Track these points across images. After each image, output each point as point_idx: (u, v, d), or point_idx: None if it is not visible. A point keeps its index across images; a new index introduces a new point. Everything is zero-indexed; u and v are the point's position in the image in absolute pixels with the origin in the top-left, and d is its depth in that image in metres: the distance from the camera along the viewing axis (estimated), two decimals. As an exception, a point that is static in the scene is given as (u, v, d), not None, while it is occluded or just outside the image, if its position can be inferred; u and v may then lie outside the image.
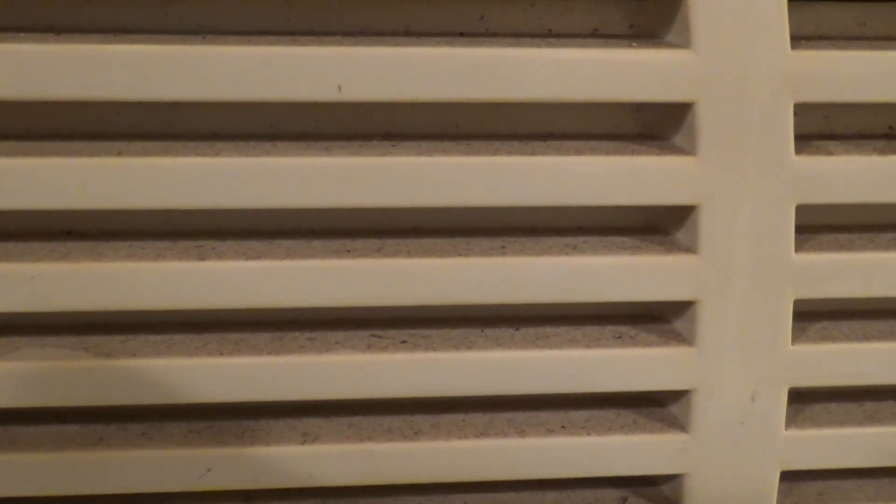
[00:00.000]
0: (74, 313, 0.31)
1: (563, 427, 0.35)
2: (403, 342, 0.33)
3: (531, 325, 0.35)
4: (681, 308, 0.34)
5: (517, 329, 0.34)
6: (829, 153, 0.32)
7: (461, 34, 0.32)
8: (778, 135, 0.31)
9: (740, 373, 0.33)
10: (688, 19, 0.30)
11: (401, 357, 0.32)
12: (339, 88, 0.29)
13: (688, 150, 0.31)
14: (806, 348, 0.33)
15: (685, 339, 0.34)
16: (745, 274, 0.32)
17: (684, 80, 0.30)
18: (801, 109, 0.32)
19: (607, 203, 0.31)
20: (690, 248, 0.32)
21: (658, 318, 0.35)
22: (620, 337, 0.34)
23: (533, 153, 0.31)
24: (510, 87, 0.30)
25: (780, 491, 0.35)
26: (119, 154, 0.29)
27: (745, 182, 0.31)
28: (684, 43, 0.30)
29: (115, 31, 0.30)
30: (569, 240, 0.33)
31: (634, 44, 0.31)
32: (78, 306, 0.30)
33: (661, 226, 0.34)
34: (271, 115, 0.32)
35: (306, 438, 0.33)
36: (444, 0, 0.31)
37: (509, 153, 0.31)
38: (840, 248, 0.33)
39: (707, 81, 0.30)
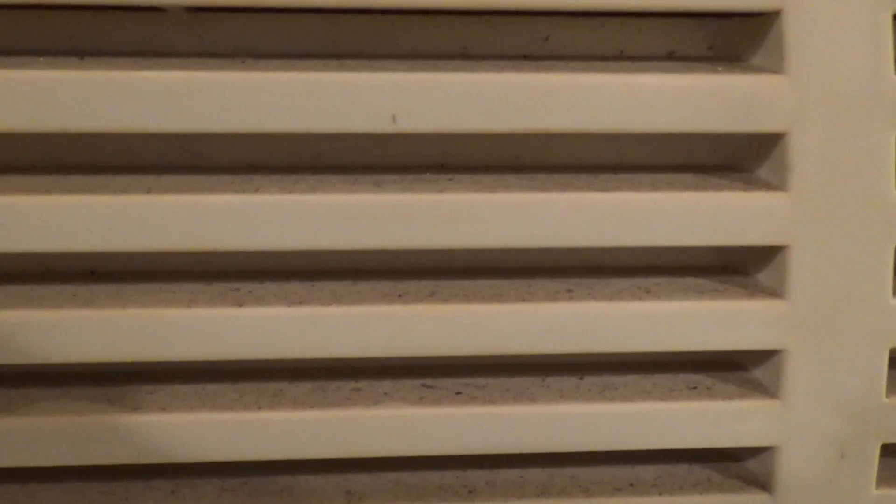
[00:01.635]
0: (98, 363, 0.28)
1: (631, 485, 0.32)
2: (458, 394, 0.30)
3: (596, 373, 0.31)
4: (762, 356, 0.31)
5: (581, 378, 0.31)
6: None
7: (524, 57, 0.29)
8: (877, 169, 0.28)
9: (829, 428, 0.30)
10: (781, 40, 0.27)
11: (456, 411, 0.29)
12: (394, 119, 0.26)
13: (776, 185, 0.28)
14: (902, 401, 0.30)
15: (768, 390, 0.30)
16: (836, 320, 0.29)
17: (777, 108, 0.27)
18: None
19: (688, 244, 0.28)
20: (775, 292, 0.29)
21: (735, 366, 0.32)
22: (696, 388, 0.31)
23: (604, 188, 0.28)
24: (579, 116, 0.27)
25: (869, 556, 0.32)
26: (149, 191, 0.27)
27: (839, 221, 0.28)
28: (775, 67, 0.27)
29: (145, 54, 0.27)
30: (640, 281, 0.30)
31: (720, 68, 0.28)
32: (102, 357, 0.27)
33: (739, 266, 0.31)
34: (314, 145, 0.29)
35: (351, 497, 0.30)
36: (505, 19, 0.28)
37: (578, 188, 0.28)
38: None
39: (801, 110, 0.27)
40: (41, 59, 0.26)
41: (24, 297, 0.28)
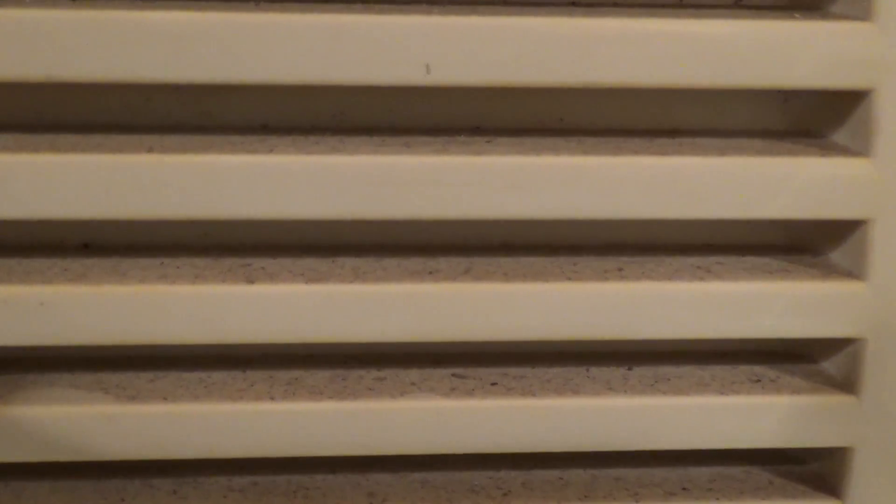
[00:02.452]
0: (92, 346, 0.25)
1: (684, 489, 0.28)
2: (493, 385, 0.27)
3: (646, 363, 0.28)
4: (833, 346, 0.28)
5: (630, 369, 0.28)
6: None
7: (573, 3, 0.25)
8: (974, 131, 0.25)
9: (909, 427, 0.27)
10: (867, -10, 0.24)
11: (490, 404, 0.26)
12: (427, 69, 0.23)
13: (856, 151, 0.25)
14: None
15: (841, 384, 0.27)
16: (922, 305, 0.26)
17: (861, 60, 0.24)
18: None
19: (756, 217, 0.25)
20: (852, 273, 0.26)
21: (801, 357, 0.29)
22: (759, 381, 0.28)
23: (662, 153, 0.25)
24: (634, 69, 0.24)
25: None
26: (149, 150, 0.23)
27: (929, 190, 0.25)
28: (860, 14, 0.24)
29: (146, -5, 0.24)
30: (699, 260, 0.27)
31: (797, 14, 0.24)
32: (97, 339, 0.24)
33: (808, 244, 0.28)
34: (335, 102, 0.26)
35: (373, 499, 0.27)
36: (552, -39, 0.25)
37: (633, 153, 0.25)
38: None
39: (891, 64, 0.24)
40: (27, -3, 0.23)
41: (9, 271, 0.25)
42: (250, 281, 0.25)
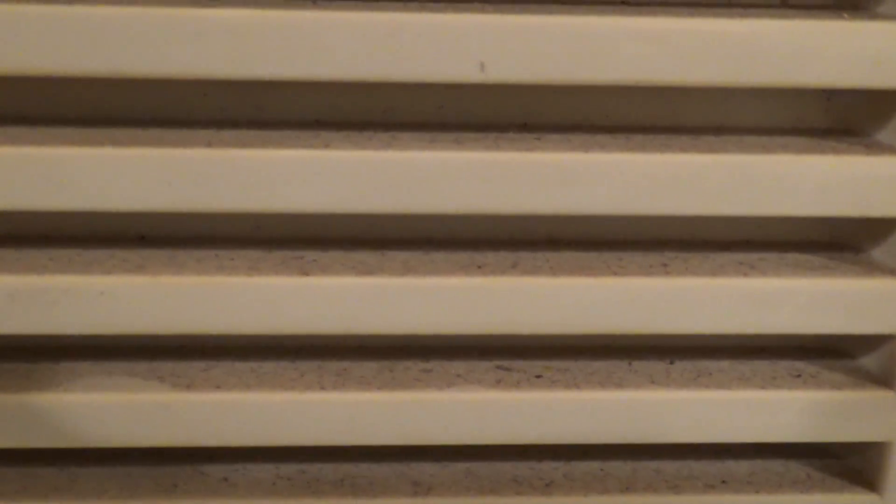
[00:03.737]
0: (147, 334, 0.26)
1: (723, 482, 0.29)
2: (538, 377, 0.27)
3: (688, 357, 0.29)
4: (874, 342, 0.28)
5: (671, 362, 0.28)
6: None
7: (624, 2, 0.26)
8: None
9: (948, 422, 0.27)
10: (917, -16, 0.24)
11: (536, 396, 0.27)
12: (482, 67, 0.23)
13: (900, 149, 0.25)
14: None
15: (881, 379, 0.27)
16: (962, 302, 0.26)
17: (908, 60, 0.24)
18: None
19: (804, 214, 0.25)
20: (894, 270, 0.26)
21: (841, 353, 0.29)
22: (800, 375, 0.28)
23: (709, 150, 0.25)
24: (683, 67, 0.24)
25: None
26: (208, 145, 0.24)
27: (972, 189, 0.25)
28: (907, 14, 0.24)
29: (205, -8, 0.24)
30: (742, 256, 0.27)
31: (845, 14, 0.25)
32: (155, 329, 0.25)
33: (850, 241, 0.28)
34: (386, 97, 0.26)
35: (418, 490, 0.28)
36: (600, -39, 0.26)
37: (680, 150, 0.25)
38: None
39: (937, 62, 0.24)
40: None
41: (69, 262, 0.25)
42: (304, 273, 0.25)
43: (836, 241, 0.28)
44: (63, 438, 0.26)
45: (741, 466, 0.29)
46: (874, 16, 0.25)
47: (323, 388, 0.26)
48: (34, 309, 0.24)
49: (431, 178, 0.24)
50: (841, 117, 0.27)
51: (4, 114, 0.25)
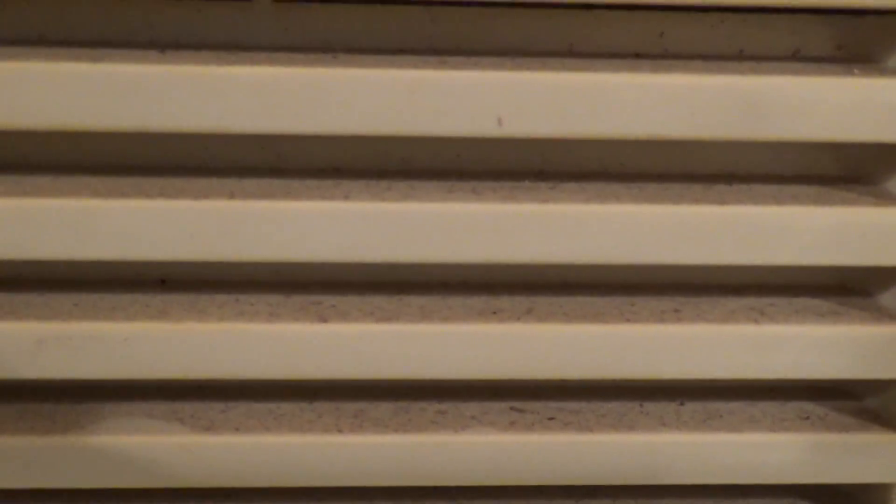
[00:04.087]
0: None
1: (732, 521, 0.29)
2: (550, 419, 0.28)
3: (698, 398, 0.29)
4: (879, 385, 0.28)
5: (682, 404, 0.29)
6: None
7: (636, 55, 0.26)
8: None
9: (953, 464, 0.28)
10: (925, 41, 0.24)
11: (549, 438, 0.27)
12: (500, 122, 0.24)
13: (908, 200, 0.26)
14: None
15: (886, 421, 0.28)
16: (968, 349, 0.27)
17: (917, 115, 0.25)
18: None
19: (812, 263, 0.26)
20: (901, 316, 0.27)
21: (846, 394, 0.30)
22: (808, 417, 0.28)
23: (721, 201, 0.26)
24: (696, 121, 0.25)
25: None
26: (231, 196, 0.25)
27: (978, 240, 0.26)
28: (916, 70, 0.25)
29: (228, 48, 0.25)
30: (752, 301, 0.28)
31: (856, 70, 0.25)
32: (178, 374, 0.26)
33: (858, 285, 0.29)
34: (405, 148, 0.27)
35: (432, 528, 0.28)
36: (615, 14, 0.26)
37: (693, 201, 0.26)
38: None
39: (946, 118, 0.25)
40: (120, 51, 0.24)
41: (93, 307, 0.26)
42: (323, 320, 0.26)
43: (845, 285, 0.29)
44: (85, 479, 0.26)
45: (751, 505, 0.30)
46: (884, 70, 0.25)
47: (340, 430, 0.27)
48: (61, 354, 0.25)
49: (449, 229, 0.25)
50: (851, 166, 0.28)
51: (34, 164, 0.26)
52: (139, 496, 0.28)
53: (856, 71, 0.25)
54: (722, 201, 0.26)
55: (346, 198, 0.25)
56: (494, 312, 0.27)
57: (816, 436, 0.28)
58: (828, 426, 0.28)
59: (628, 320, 0.26)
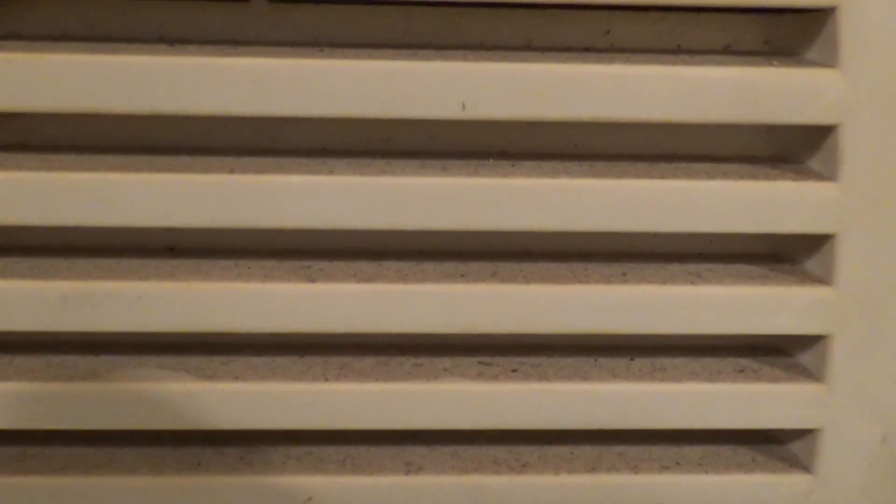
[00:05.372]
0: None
1: (677, 464, 0.33)
2: (514, 371, 0.31)
3: (646, 355, 0.33)
4: (807, 342, 0.32)
5: (632, 359, 0.32)
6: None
7: (586, 49, 0.30)
8: (926, 161, 0.29)
9: (871, 412, 0.31)
10: (836, 35, 0.28)
11: (513, 387, 0.31)
12: (463, 106, 0.27)
13: (826, 176, 0.29)
14: (945, 388, 0.31)
15: (812, 374, 0.32)
16: (882, 308, 0.30)
17: (829, 101, 0.28)
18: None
19: (740, 231, 0.29)
20: (823, 279, 0.30)
21: (780, 351, 0.33)
22: (743, 371, 0.32)
23: (661, 176, 0.29)
24: (638, 106, 0.28)
25: (908, 538, 0.33)
26: (231, 171, 0.28)
27: (887, 211, 0.29)
28: (829, 61, 0.28)
29: (229, 43, 0.29)
30: (692, 267, 0.31)
31: (775, 62, 0.29)
32: (184, 327, 0.29)
33: (788, 254, 0.32)
34: (384, 130, 0.30)
35: (410, 468, 0.32)
36: (568, 13, 0.30)
37: (636, 176, 0.29)
38: None
39: (854, 103, 0.28)
40: (133, 45, 0.28)
41: (111, 270, 0.29)
42: (311, 280, 0.29)
43: (777, 254, 0.32)
44: (102, 421, 0.30)
45: (694, 451, 0.33)
46: (801, 62, 0.29)
47: (327, 379, 0.30)
48: (82, 309, 0.29)
49: (421, 199, 0.28)
50: (780, 147, 0.32)
51: (59, 143, 0.29)
52: (150, 437, 0.31)
53: (775, 62, 0.29)
54: (663, 176, 0.29)
55: (331, 172, 0.28)
56: (462, 275, 0.30)
57: (750, 386, 0.31)
58: (759, 378, 0.32)
59: (581, 282, 0.30)
